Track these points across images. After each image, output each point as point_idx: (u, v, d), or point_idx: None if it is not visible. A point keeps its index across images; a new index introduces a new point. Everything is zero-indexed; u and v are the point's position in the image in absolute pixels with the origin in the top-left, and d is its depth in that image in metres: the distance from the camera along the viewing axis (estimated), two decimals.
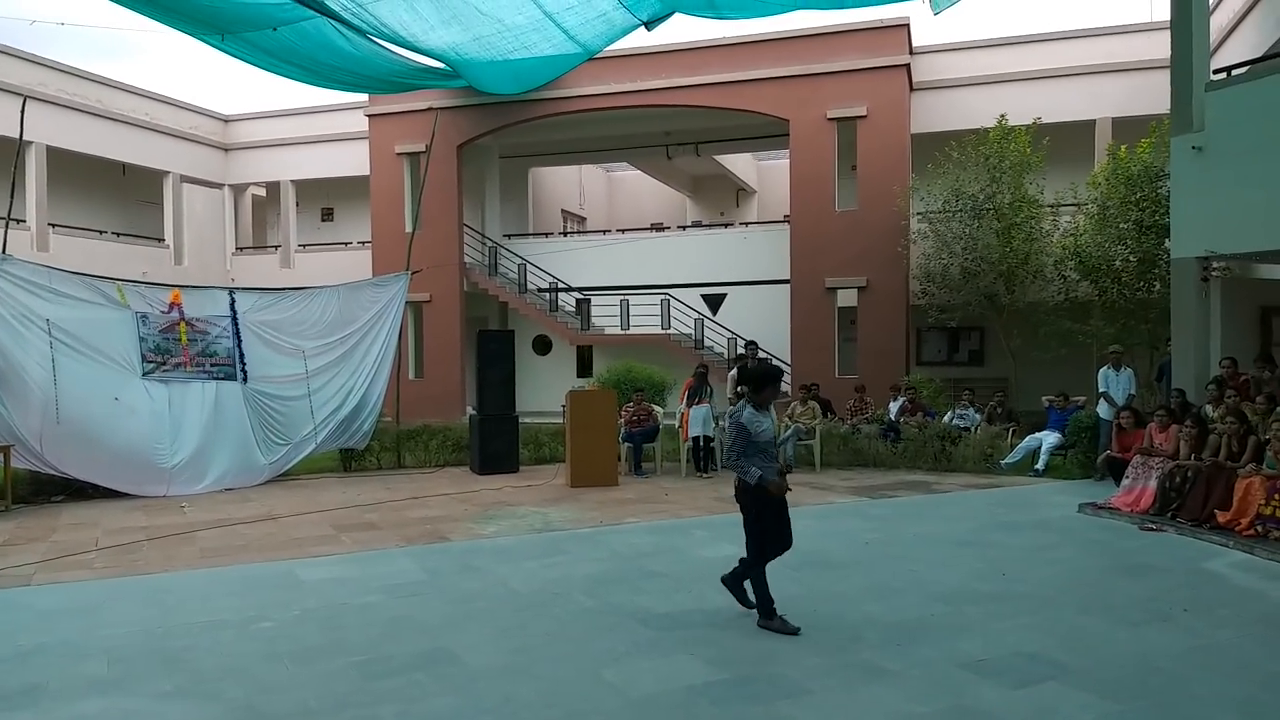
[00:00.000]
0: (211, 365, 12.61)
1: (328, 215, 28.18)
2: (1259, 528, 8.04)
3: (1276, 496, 8.02)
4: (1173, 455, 9.53)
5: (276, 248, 26.32)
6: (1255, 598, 6.56)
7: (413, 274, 14.40)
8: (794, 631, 5.69)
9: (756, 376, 6.08)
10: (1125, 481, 9.91)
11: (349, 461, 13.80)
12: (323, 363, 13.30)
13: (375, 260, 21.97)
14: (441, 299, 21.60)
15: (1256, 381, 10.17)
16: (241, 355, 12.78)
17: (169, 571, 7.68)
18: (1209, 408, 9.87)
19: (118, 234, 23.91)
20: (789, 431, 13.19)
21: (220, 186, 26.08)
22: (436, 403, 19.57)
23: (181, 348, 12.41)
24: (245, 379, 12.75)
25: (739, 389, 12.89)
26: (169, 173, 24.37)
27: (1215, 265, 11.00)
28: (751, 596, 5.98)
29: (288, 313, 13.33)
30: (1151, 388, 13.58)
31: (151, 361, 12.15)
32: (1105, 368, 12.08)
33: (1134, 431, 10.64)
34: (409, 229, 18.77)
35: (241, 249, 27.00)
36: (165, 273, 22.27)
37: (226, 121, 26.11)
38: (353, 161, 23.86)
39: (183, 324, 12.45)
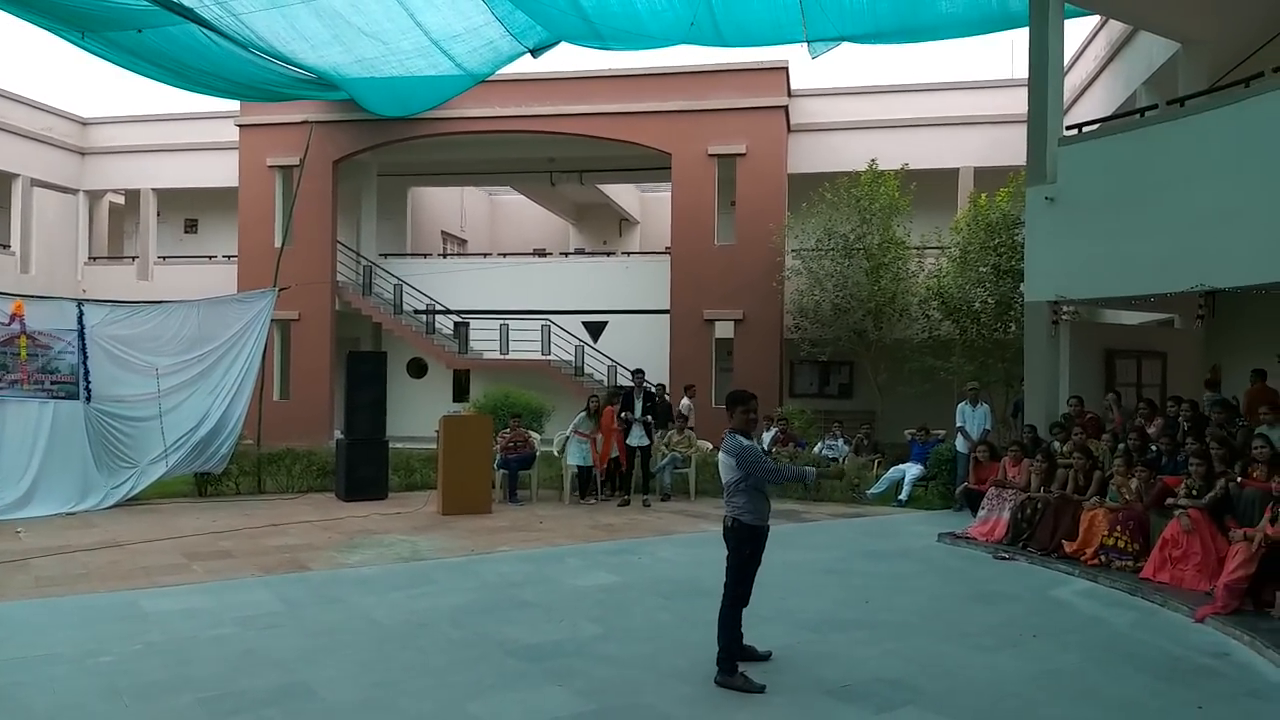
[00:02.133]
0: (52, 383, 11.81)
1: (191, 227, 26.99)
2: (1102, 557, 8.52)
3: (1119, 528, 8.53)
4: (1025, 488, 10.02)
5: (134, 259, 25.00)
6: (1099, 624, 6.93)
7: (280, 290, 13.88)
8: (759, 689, 5.24)
9: (726, 401, 5.79)
10: (981, 512, 10.37)
11: (205, 486, 13.10)
12: (177, 381, 12.61)
13: (241, 275, 21.13)
14: (311, 318, 20.92)
15: (1100, 420, 10.81)
16: (86, 372, 12.01)
17: None
18: (1057, 443, 10.43)
19: None
20: (665, 460, 13.28)
21: (75, 192, 24.64)
22: (302, 425, 18.84)
23: (19, 364, 11.59)
24: (89, 398, 12.00)
25: (623, 415, 12.97)
26: (19, 175, 22.89)
27: (1065, 309, 11.68)
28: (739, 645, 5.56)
29: (141, 327, 12.62)
30: (1008, 423, 14.28)
31: None
32: (963, 403, 12.66)
33: (990, 465, 11.15)
34: (279, 244, 18.14)
35: (95, 259, 25.53)
36: (9, 281, 20.81)
37: (84, 124, 24.74)
38: (221, 172, 22.95)
39: (23, 338, 11.63)
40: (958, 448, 12.45)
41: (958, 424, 12.55)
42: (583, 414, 13.19)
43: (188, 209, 26.53)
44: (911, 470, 12.95)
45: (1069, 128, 11.87)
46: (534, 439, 13.72)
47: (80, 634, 6.22)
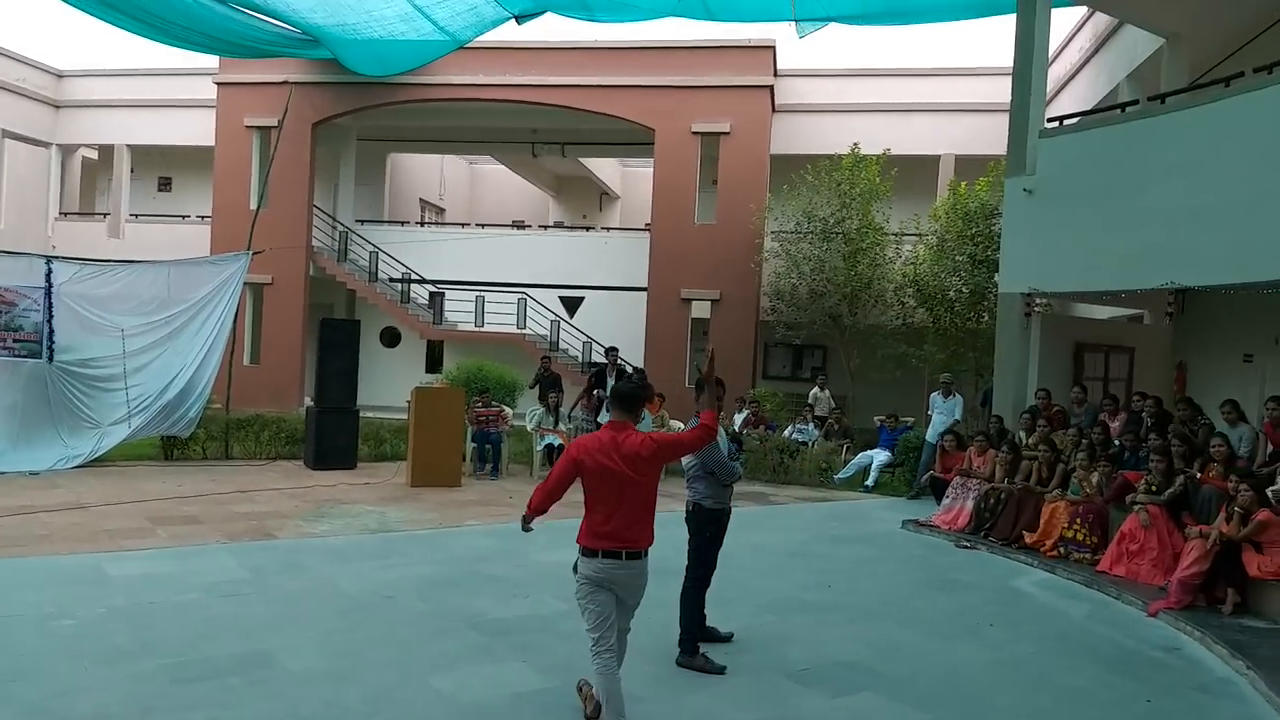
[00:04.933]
0: (14, 341, 11.66)
1: (165, 185, 26.61)
2: (1061, 549, 8.68)
3: (1078, 521, 8.69)
4: (989, 478, 10.17)
5: (106, 215, 24.64)
6: (1055, 615, 7.08)
7: (254, 254, 13.73)
8: (719, 670, 5.32)
9: (696, 385, 5.60)
10: (945, 500, 10.51)
11: (171, 450, 12.99)
12: (144, 343, 12.44)
13: (215, 237, 20.86)
14: (284, 282, 20.73)
15: (1066, 414, 10.96)
16: (51, 331, 11.84)
17: None
18: (1023, 434, 10.58)
19: None
20: None
21: (48, 145, 24.19)
22: (272, 391, 18.75)
23: None
24: (51, 357, 11.86)
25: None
26: None
27: (1037, 301, 11.81)
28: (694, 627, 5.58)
29: (110, 286, 12.45)
30: (976, 413, 14.43)
31: None
32: (935, 393, 12.80)
33: (956, 454, 11.29)
34: (254, 206, 17.93)
35: (66, 214, 25.11)
36: None
37: (60, 76, 24.24)
38: (197, 130, 22.60)
39: None
40: (928, 437, 12.58)
41: (928, 412, 12.71)
42: (541, 410, 13.29)
43: (162, 167, 26.14)
44: (879, 456, 13.09)
45: (1050, 120, 11.95)
46: (507, 413, 13.73)
47: (42, 596, 6.20)
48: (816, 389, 15.86)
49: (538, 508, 4.64)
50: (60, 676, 4.85)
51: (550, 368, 14.55)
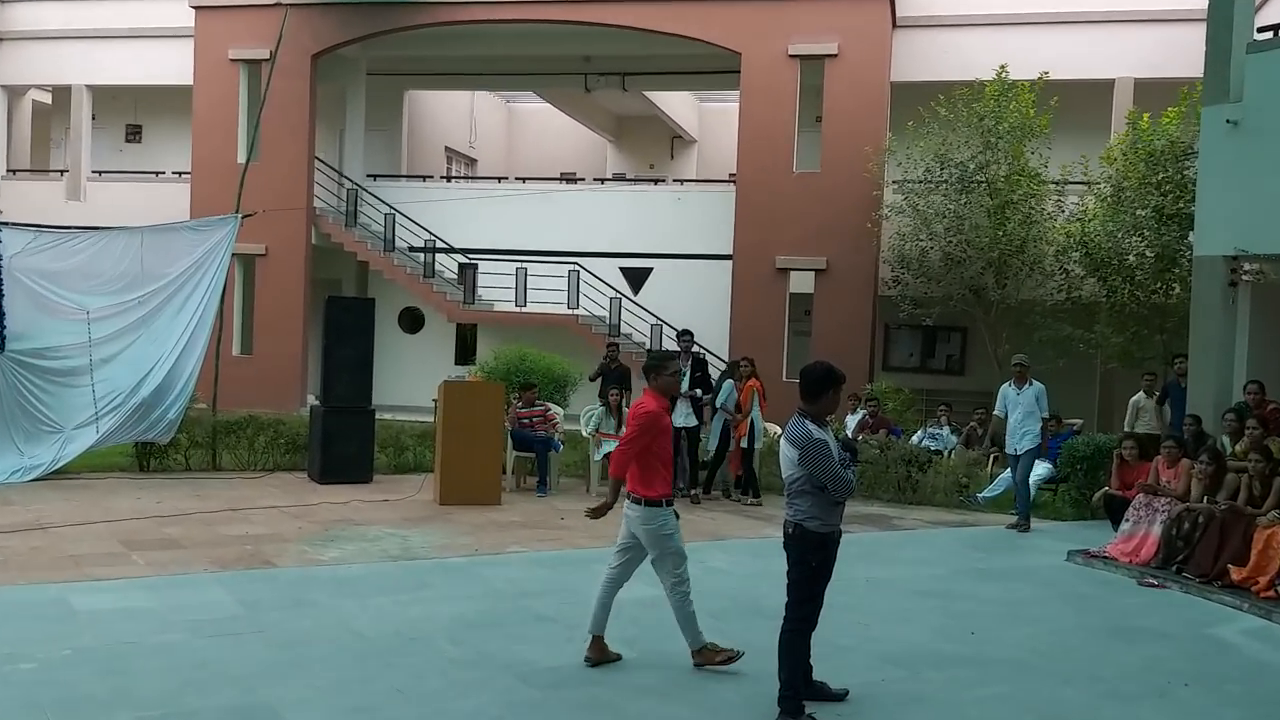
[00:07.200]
0: None
1: (134, 135, 27.37)
2: (1279, 588, 8.45)
3: None
4: (1182, 496, 9.92)
5: (63, 173, 25.46)
6: (1270, 672, 6.91)
7: (244, 218, 14.07)
8: None
9: (816, 379, 5.61)
10: (1124, 525, 10.27)
11: (147, 459, 13.44)
12: (114, 329, 12.87)
13: (195, 197, 21.44)
14: (281, 253, 21.19)
15: None
16: (1, 314, 12.29)
17: None
18: (1227, 440, 10.30)
19: None
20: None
21: None
22: (268, 388, 19.21)
23: None
24: (2, 346, 12.29)
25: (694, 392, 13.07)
26: None
27: (1247, 267, 11.50)
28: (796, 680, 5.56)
29: (72, 259, 12.89)
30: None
31: None
32: (1006, 384, 11.98)
33: (1138, 465, 11.01)
34: (242, 159, 18.36)
35: (15, 171, 26.03)
36: None
37: (1, 2, 25.10)
38: (172, 66, 23.17)
39: None
40: (1008, 449, 11.97)
41: (995, 411, 12.18)
42: (601, 409, 13.32)
43: (130, 112, 26.89)
44: (1037, 470, 12.83)
45: (1261, 30, 11.62)
46: (557, 414, 13.85)
47: None
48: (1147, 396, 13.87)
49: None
50: None
51: (618, 358, 14.65)
